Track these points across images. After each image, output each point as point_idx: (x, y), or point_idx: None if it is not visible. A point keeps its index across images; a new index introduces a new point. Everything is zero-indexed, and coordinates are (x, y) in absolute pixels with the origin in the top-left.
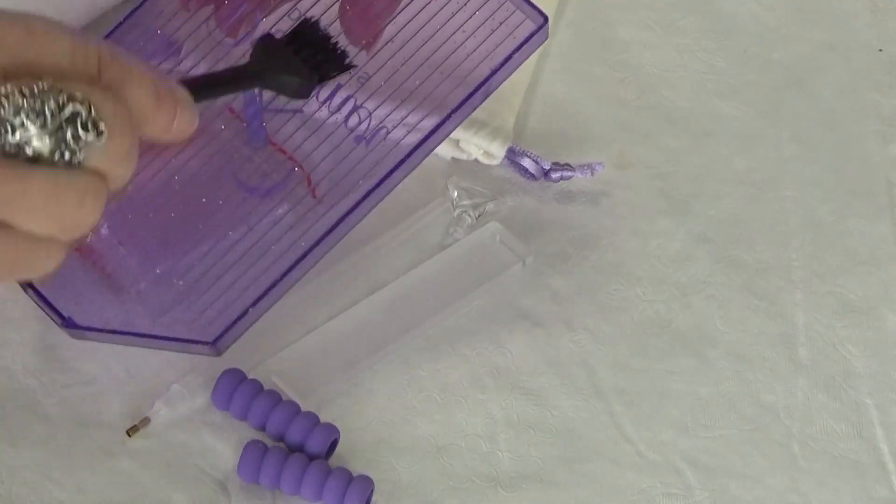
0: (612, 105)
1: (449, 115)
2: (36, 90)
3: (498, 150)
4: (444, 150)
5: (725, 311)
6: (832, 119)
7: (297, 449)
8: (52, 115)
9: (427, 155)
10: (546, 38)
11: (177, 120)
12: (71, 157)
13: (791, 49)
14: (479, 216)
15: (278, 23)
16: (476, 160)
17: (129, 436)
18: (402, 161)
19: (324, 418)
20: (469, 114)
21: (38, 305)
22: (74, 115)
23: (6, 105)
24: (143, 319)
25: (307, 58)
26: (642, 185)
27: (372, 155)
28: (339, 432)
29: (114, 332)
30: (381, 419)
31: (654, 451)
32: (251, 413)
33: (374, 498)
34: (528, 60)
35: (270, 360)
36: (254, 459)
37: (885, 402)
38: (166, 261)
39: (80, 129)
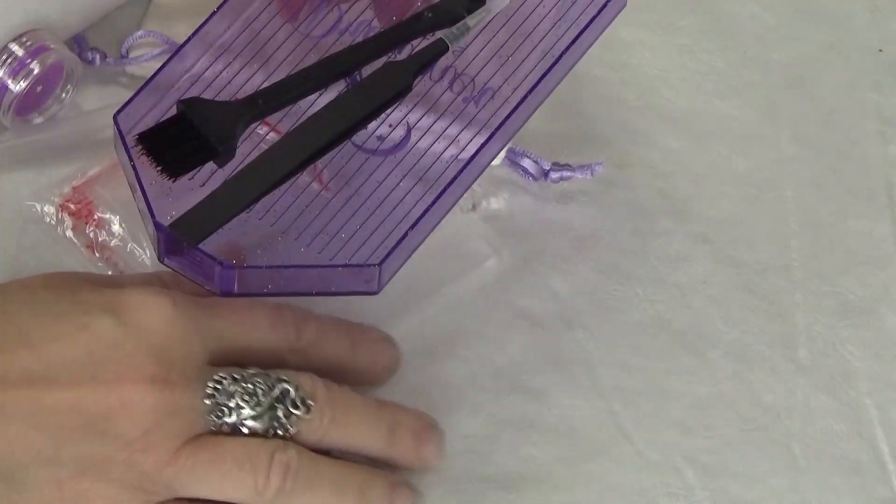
0: (612, 105)
1: (534, 87)
2: (246, 374)
3: None
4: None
5: (725, 311)
6: (832, 119)
7: None
8: (264, 393)
9: (522, 123)
10: (626, 4)
11: (383, 355)
12: (284, 434)
13: (791, 49)
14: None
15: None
16: None
17: None
18: (507, 116)
19: None
20: (553, 87)
21: (182, 274)
22: (284, 394)
23: (220, 389)
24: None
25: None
26: (642, 185)
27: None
28: None
29: (274, 267)
30: None
31: (654, 450)
32: None
33: None
34: None
35: None
36: None
37: (885, 402)
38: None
39: (290, 407)
